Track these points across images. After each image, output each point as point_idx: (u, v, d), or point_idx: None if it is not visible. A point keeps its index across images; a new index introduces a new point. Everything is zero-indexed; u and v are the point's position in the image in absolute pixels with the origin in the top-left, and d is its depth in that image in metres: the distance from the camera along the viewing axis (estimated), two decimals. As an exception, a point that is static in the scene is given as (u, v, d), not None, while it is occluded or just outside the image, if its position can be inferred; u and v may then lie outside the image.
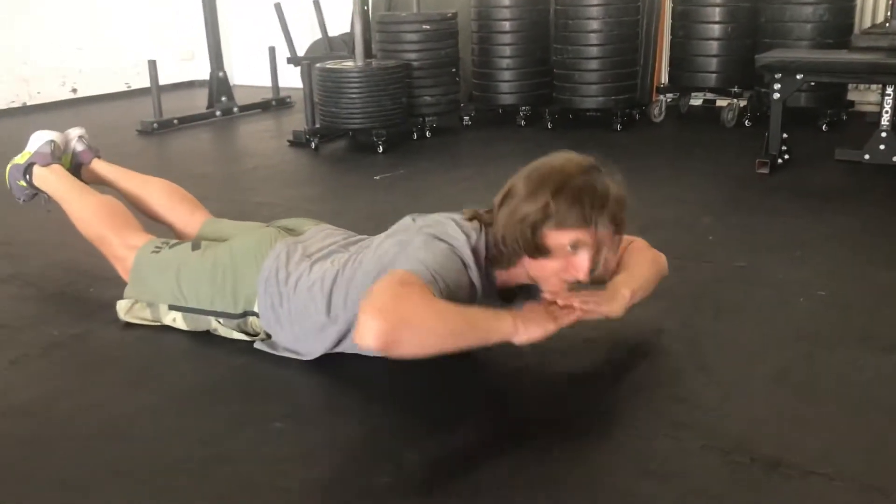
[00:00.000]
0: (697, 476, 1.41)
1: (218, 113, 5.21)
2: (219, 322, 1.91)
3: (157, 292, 1.98)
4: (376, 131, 4.06)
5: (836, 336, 1.90)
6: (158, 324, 1.99)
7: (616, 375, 1.77)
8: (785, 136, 3.45)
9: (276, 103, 5.56)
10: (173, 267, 1.97)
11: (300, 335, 1.79)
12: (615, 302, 1.67)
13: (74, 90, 6.02)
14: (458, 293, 1.54)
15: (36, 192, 2.33)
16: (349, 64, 4.20)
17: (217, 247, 1.97)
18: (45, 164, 2.30)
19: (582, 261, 1.57)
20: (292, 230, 2.03)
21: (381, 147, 4.06)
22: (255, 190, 3.55)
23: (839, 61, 3.34)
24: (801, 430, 1.54)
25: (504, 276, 1.68)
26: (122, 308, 2.03)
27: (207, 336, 1.94)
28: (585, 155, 1.63)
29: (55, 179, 2.29)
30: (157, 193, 2.32)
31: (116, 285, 2.10)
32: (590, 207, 1.54)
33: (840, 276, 2.28)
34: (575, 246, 1.56)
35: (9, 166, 2.34)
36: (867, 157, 3.47)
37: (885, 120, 3.42)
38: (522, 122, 4.66)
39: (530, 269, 1.62)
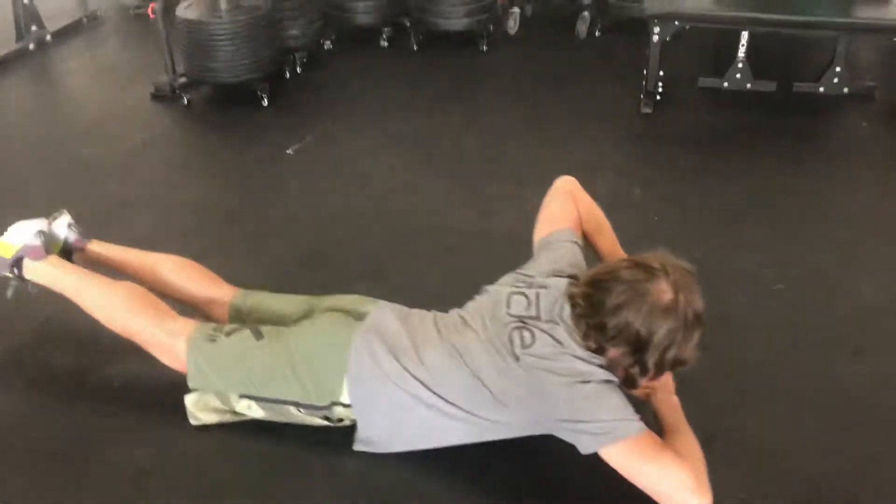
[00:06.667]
0: None
1: (32, 46, 4.57)
2: (299, 410, 1.94)
3: (224, 383, 1.97)
4: (260, 84, 3.86)
5: (814, 341, 2.30)
6: (232, 414, 1.99)
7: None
8: (661, 73, 3.79)
9: (87, 21, 4.97)
10: (238, 357, 1.96)
11: (403, 428, 1.89)
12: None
13: None
14: None
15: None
16: (219, 17, 3.81)
17: (283, 337, 1.97)
18: (39, 258, 2.10)
19: None
20: (351, 311, 2.03)
21: (265, 100, 3.88)
22: (122, 178, 3.23)
23: (710, 14, 3.71)
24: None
25: None
26: (192, 401, 2.00)
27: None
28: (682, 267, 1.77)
29: (58, 274, 2.12)
30: (173, 271, 2.21)
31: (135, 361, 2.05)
32: None
33: (788, 262, 2.63)
34: None
35: None
36: (726, 84, 3.91)
37: (742, 52, 3.84)
38: (385, 44, 4.60)
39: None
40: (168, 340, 2.00)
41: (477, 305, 1.96)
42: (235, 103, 3.91)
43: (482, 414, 1.82)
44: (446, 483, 1.88)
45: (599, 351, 1.76)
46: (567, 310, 1.80)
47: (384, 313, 2.01)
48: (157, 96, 3.97)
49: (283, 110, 3.85)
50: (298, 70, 4.23)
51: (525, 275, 1.96)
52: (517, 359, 1.77)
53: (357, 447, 1.94)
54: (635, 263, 1.78)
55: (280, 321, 2.09)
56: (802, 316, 2.41)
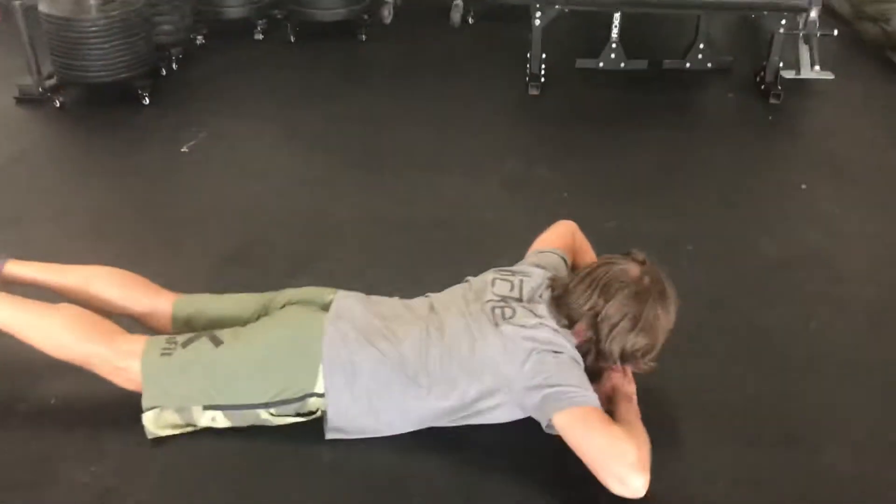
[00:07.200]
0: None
1: None
2: (270, 413, 1.90)
3: (185, 396, 1.90)
4: (140, 83, 3.68)
5: (729, 295, 2.48)
6: (193, 428, 1.92)
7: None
8: (544, 55, 3.94)
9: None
10: (199, 367, 1.89)
11: (378, 412, 1.88)
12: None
13: None
14: None
15: None
16: (90, 13, 3.58)
17: (245, 337, 1.92)
18: None
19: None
20: (312, 302, 2.02)
21: (146, 99, 3.70)
22: (3, 191, 3.01)
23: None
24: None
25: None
26: (150, 419, 1.90)
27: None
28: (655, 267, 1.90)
29: None
30: (107, 284, 2.09)
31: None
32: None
33: (692, 225, 2.82)
34: None
35: None
36: (601, 64, 4.12)
37: (615, 34, 4.06)
38: (261, 37, 4.51)
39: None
40: (121, 362, 1.90)
41: (458, 289, 2.02)
42: (114, 103, 3.70)
43: (457, 389, 1.85)
44: (424, 460, 1.90)
45: (571, 326, 1.87)
46: (548, 294, 1.92)
47: (348, 301, 2.01)
48: (23, 100, 3.70)
49: (166, 108, 3.69)
50: (174, 67, 4.06)
51: (509, 269, 2.06)
52: (497, 326, 1.84)
53: (329, 436, 1.92)
54: (621, 254, 1.92)
55: (232, 324, 2.03)
56: (715, 273, 2.60)
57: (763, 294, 2.50)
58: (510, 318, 1.86)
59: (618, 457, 1.67)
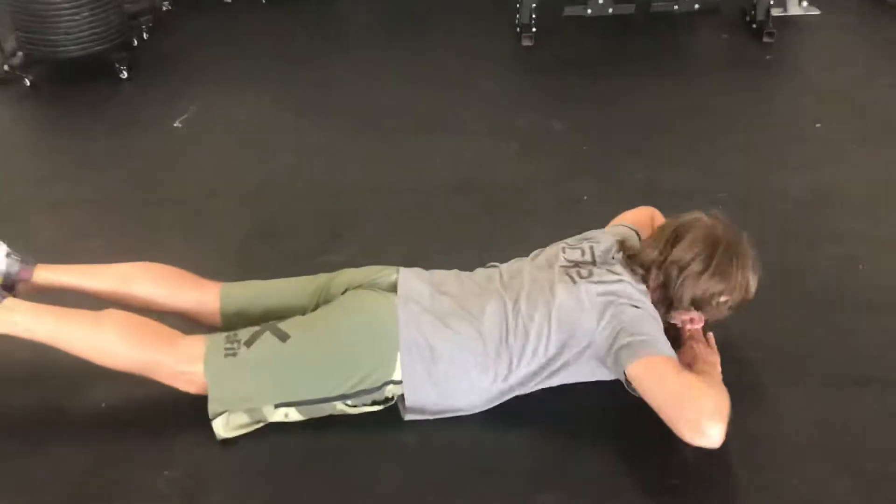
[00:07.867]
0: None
1: None
2: (346, 404, 1.82)
3: (254, 396, 1.79)
4: (115, 55, 3.46)
5: (771, 237, 2.41)
6: (263, 423, 1.82)
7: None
8: (534, 5, 3.83)
9: None
10: (269, 366, 1.79)
11: (459, 391, 1.82)
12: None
13: None
14: None
15: None
16: None
17: (312, 329, 1.82)
18: None
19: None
20: (376, 284, 1.92)
21: (124, 73, 3.49)
22: None
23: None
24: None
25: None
26: (220, 425, 1.78)
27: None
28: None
29: (23, 320, 1.79)
30: (148, 283, 1.95)
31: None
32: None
33: (717, 170, 2.78)
34: None
35: None
36: (589, 11, 4.03)
37: (599, -23, 3.97)
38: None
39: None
40: (184, 368, 1.79)
41: (525, 259, 1.98)
42: (89, 80, 3.48)
43: (537, 355, 1.80)
44: (509, 433, 1.83)
45: (646, 281, 1.84)
46: (620, 255, 1.90)
47: (411, 281, 1.93)
48: (-10, 80, 3.46)
49: (146, 82, 3.50)
50: (145, 37, 3.84)
51: (576, 238, 2.03)
52: (574, 283, 1.81)
53: (408, 417, 1.84)
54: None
55: (290, 313, 1.92)
56: (751, 217, 2.50)
57: (803, 235, 2.48)
58: (587, 277, 1.83)
59: (692, 403, 1.61)
